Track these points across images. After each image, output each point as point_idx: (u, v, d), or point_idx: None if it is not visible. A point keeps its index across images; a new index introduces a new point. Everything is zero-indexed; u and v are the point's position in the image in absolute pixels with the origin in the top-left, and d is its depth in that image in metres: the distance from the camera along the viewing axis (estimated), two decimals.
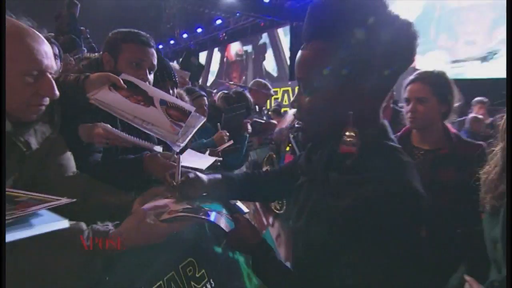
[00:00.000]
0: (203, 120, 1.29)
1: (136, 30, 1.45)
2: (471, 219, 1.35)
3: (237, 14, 15.29)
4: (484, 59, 9.71)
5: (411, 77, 1.57)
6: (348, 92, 0.73)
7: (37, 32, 0.88)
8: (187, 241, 1.19)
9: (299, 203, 0.90)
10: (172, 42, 20.11)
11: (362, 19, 0.69)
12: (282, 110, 6.37)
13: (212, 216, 0.91)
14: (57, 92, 0.90)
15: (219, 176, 1.09)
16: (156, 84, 1.62)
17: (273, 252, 0.91)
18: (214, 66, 20.23)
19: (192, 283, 1.15)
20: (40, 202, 0.63)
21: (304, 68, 0.76)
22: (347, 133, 0.71)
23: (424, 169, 1.47)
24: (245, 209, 1.01)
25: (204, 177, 1.05)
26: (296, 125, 0.83)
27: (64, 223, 0.65)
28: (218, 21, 16.97)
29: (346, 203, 0.71)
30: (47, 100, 0.91)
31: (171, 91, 1.73)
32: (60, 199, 0.66)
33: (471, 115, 4.45)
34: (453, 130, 1.58)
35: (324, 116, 0.77)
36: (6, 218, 0.54)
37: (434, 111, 1.51)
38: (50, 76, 0.89)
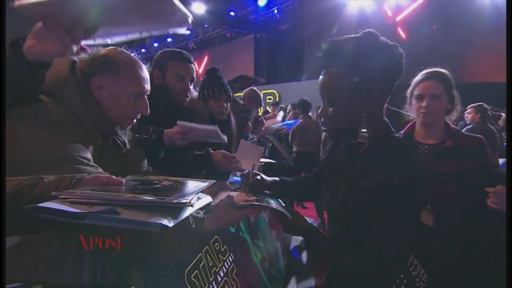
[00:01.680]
0: None
1: (179, 50, 1.61)
2: (476, 206, 1.39)
3: (205, 25, 15.25)
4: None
5: (423, 75, 1.54)
6: (359, 101, 0.93)
7: (141, 62, 1.01)
8: None
9: (330, 189, 1.08)
10: (143, 50, 19.67)
11: (362, 49, 0.90)
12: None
13: (275, 205, 1.06)
14: (149, 110, 1.02)
15: (277, 179, 1.26)
16: (212, 97, 1.81)
17: (319, 231, 1.07)
18: None
19: (220, 256, 1.28)
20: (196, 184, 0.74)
21: (324, 88, 0.96)
22: (362, 130, 0.93)
23: (430, 162, 1.48)
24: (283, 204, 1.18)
25: (267, 179, 1.22)
26: (323, 129, 0.98)
27: (209, 199, 0.76)
28: (187, 32, 16.80)
29: (372, 184, 0.90)
30: (139, 115, 1.04)
31: (225, 104, 1.86)
32: (208, 181, 0.78)
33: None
34: (452, 125, 1.58)
35: (343, 120, 0.97)
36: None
37: (444, 107, 1.52)
38: (145, 97, 1.02)
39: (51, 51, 0.69)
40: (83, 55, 0.95)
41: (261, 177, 1.20)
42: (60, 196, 0.58)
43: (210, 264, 1.18)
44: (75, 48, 0.73)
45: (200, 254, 1.14)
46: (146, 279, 0.81)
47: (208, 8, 12.89)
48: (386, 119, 1.01)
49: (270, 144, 3.19)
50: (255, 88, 3.28)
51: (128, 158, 1.06)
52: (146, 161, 1.22)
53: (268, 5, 13.13)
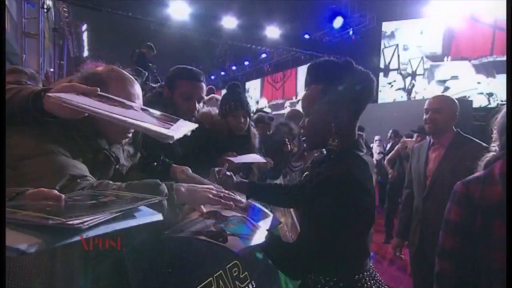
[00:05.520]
0: (193, 125, 1.04)
1: (189, 67, 1.53)
2: None
3: (280, 49, 15.66)
4: None
5: None
6: (330, 114, 1.04)
7: (133, 79, 1.04)
8: None
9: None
10: (222, 73, 21.00)
11: (338, 71, 1.05)
12: None
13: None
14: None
15: (246, 181, 1.38)
16: (230, 113, 1.79)
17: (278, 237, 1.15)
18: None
19: (237, 282, 1.22)
20: (141, 199, 0.69)
21: (305, 101, 1.11)
22: (329, 140, 1.06)
23: None
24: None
25: (235, 179, 1.32)
26: (302, 139, 0.99)
27: (159, 216, 0.68)
28: (263, 55, 17.49)
29: (312, 185, 1.03)
30: (133, 131, 1.05)
31: (243, 119, 1.80)
32: (156, 198, 0.71)
33: None
34: None
35: (316, 129, 1.09)
36: (121, 210, 0.61)
37: None
38: None
39: (64, 113, 0.83)
40: (78, 73, 1.01)
41: (231, 176, 1.30)
42: None
43: None
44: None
45: (211, 278, 1.10)
46: None
47: (282, 32, 13.25)
48: (360, 139, 1.11)
49: None
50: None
51: (126, 176, 1.09)
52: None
53: (343, 27, 12.96)
